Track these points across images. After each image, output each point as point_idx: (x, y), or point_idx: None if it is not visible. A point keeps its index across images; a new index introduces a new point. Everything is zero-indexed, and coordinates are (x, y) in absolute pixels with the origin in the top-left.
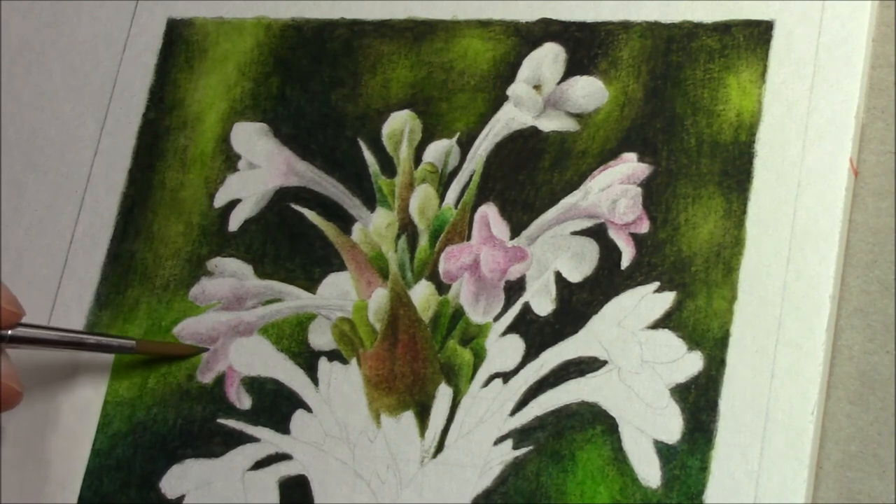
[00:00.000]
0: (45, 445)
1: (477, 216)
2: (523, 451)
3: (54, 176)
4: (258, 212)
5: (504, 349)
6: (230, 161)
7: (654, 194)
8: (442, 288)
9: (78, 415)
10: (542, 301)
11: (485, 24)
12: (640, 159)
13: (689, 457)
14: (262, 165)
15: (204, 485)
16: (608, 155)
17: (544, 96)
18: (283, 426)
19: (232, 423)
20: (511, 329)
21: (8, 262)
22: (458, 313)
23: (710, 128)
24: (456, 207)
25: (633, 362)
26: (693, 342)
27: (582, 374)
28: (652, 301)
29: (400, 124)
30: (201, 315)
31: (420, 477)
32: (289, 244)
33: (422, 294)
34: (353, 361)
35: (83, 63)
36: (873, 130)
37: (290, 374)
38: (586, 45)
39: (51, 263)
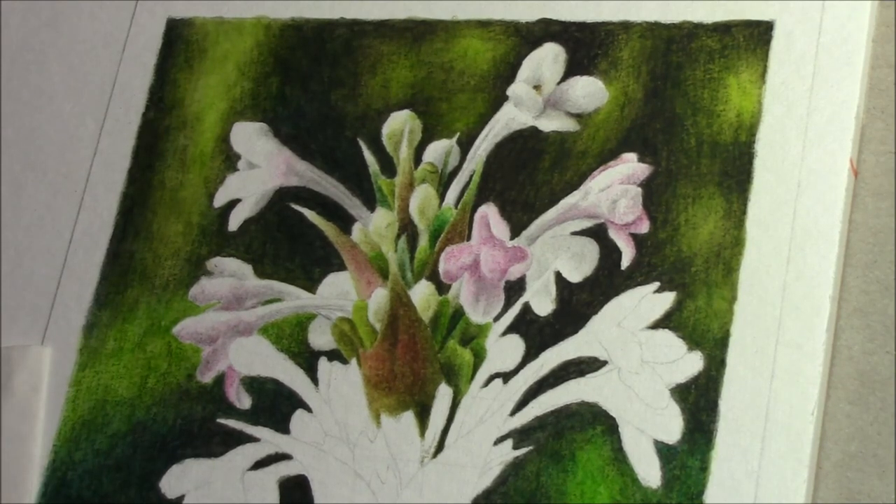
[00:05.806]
0: None
1: (477, 216)
2: (523, 451)
3: (54, 176)
4: (258, 212)
5: (504, 349)
6: (230, 161)
7: (654, 194)
8: (442, 288)
9: (19, 415)
10: (542, 301)
11: (485, 24)
12: (640, 159)
13: (689, 457)
14: (261, 165)
15: (204, 485)
16: (608, 155)
17: (544, 96)
18: (283, 426)
19: (232, 422)
20: (511, 329)
21: (8, 262)
22: (458, 313)
23: (710, 128)
24: (456, 207)
25: (633, 362)
26: (693, 342)
27: (582, 374)
28: (652, 301)
29: (400, 124)
30: (201, 315)
31: (420, 477)
32: (289, 244)
33: (422, 294)
34: (353, 361)
35: (83, 63)
36: (873, 130)
37: (290, 374)
38: (586, 46)
39: (50, 263)
